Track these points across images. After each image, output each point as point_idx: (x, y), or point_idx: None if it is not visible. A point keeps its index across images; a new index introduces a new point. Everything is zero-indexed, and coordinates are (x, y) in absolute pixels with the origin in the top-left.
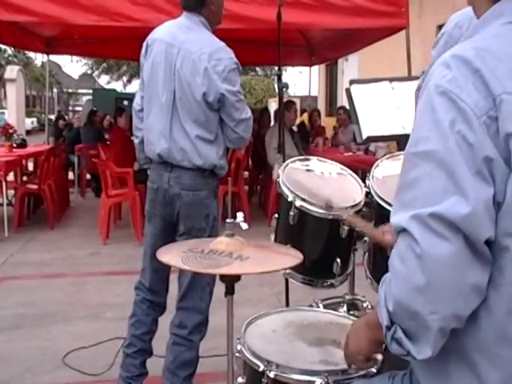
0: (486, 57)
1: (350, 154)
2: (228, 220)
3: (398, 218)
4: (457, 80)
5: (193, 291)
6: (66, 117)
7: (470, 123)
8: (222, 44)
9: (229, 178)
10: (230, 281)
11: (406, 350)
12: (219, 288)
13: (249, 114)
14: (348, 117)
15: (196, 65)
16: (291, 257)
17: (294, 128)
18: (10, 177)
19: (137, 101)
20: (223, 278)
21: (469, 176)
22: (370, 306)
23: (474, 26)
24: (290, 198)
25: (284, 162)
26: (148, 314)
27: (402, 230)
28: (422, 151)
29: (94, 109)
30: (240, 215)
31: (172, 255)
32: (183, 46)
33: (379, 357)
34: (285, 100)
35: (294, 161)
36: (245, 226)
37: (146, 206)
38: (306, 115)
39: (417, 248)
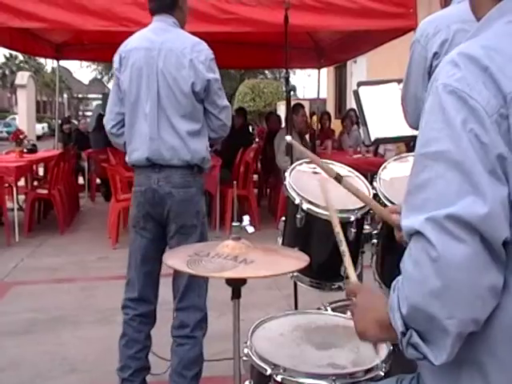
0: (494, 56)
1: (359, 156)
2: (234, 223)
3: (410, 221)
4: (466, 79)
5: (191, 291)
6: (76, 121)
7: (482, 122)
8: (198, 39)
9: (234, 182)
10: (236, 284)
11: (422, 354)
12: (227, 291)
13: (227, 102)
14: (351, 122)
15: (180, 59)
16: (297, 260)
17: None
18: (21, 182)
19: (109, 118)
20: (229, 281)
21: (484, 175)
22: None
23: (478, 26)
24: (297, 201)
25: (292, 164)
26: (140, 330)
27: (416, 233)
28: (433, 152)
29: (102, 113)
30: (246, 218)
31: (177, 259)
32: (163, 46)
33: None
34: (293, 103)
35: (301, 163)
36: (251, 229)
37: (133, 211)
38: (315, 118)
39: (432, 251)
